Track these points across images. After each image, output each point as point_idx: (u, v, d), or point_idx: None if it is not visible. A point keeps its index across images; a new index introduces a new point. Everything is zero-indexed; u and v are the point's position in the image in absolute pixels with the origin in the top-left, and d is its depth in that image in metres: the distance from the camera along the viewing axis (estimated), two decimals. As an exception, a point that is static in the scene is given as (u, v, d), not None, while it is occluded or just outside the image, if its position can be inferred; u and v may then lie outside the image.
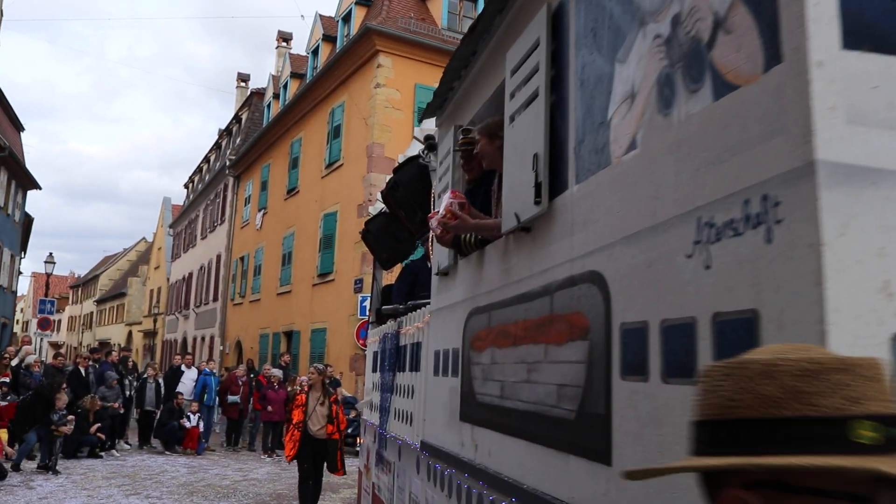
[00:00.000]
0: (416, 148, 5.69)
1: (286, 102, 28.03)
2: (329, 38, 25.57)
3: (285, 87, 29.63)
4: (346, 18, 23.86)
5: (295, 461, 8.81)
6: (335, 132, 22.55)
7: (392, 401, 6.15)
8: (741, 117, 1.70)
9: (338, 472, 9.30)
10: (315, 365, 9.34)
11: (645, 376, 2.04)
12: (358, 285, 18.98)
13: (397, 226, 7.17)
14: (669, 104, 2.01)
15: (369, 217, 7.80)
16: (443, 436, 4.33)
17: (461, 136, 4.04)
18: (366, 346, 9.47)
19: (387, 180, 6.22)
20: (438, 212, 3.87)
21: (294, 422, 8.68)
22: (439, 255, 4.55)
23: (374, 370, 7.42)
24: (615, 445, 2.20)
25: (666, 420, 1.93)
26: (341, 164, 21.81)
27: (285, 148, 27.42)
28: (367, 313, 8.79)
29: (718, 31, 1.80)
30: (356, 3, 23.15)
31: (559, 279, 2.70)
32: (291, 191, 26.14)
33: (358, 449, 9.21)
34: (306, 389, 9.07)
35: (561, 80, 2.85)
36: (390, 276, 9.52)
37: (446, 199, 3.55)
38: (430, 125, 5.41)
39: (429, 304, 5.29)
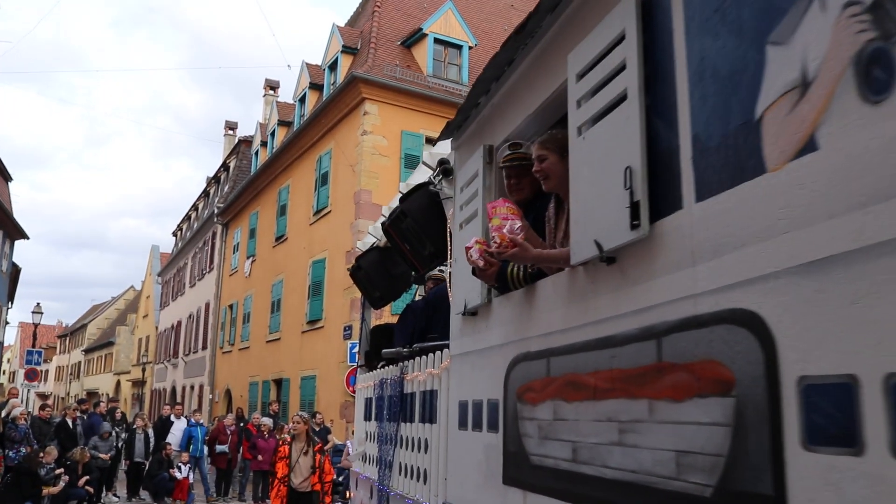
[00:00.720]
0: (423, 174, 5.17)
1: (274, 150, 28.15)
2: (316, 86, 25.66)
3: (273, 134, 29.70)
4: (333, 66, 23.94)
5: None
6: (323, 179, 22.56)
7: (396, 454, 5.55)
8: None
9: (322, 528, 8.63)
10: (300, 413, 8.69)
11: (856, 448, 1.53)
12: (347, 332, 18.76)
13: (392, 261, 6.63)
14: (884, 88, 1.52)
15: (359, 253, 7.23)
16: (476, 500, 3.77)
17: (508, 152, 3.53)
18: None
19: (388, 210, 5.68)
20: (483, 240, 3.34)
21: (279, 476, 8.02)
22: (466, 292, 4.00)
23: (368, 418, 6.81)
24: (797, 538, 1.68)
25: (905, 511, 1.42)
26: (329, 211, 21.80)
27: (273, 195, 27.39)
28: (357, 358, 8.19)
29: None
30: (342, 52, 23.25)
31: (672, 320, 2.19)
32: (280, 238, 26.06)
33: (348, 502, 8.52)
34: (289, 441, 8.40)
35: (658, 77, 2.37)
36: (377, 318, 8.95)
37: (506, 223, 2.98)
38: (441, 150, 4.91)
39: (441, 347, 4.75)
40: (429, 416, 4.81)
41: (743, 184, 1.93)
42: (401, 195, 5.27)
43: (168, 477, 15.91)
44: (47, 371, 79.72)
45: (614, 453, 2.47)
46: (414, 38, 22.65)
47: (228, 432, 17.33)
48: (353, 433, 12.77)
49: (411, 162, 19.14)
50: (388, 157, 20.11)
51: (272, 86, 35.56)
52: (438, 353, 4.74)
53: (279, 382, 24.41)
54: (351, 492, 7.58)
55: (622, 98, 2.50)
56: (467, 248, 3.42)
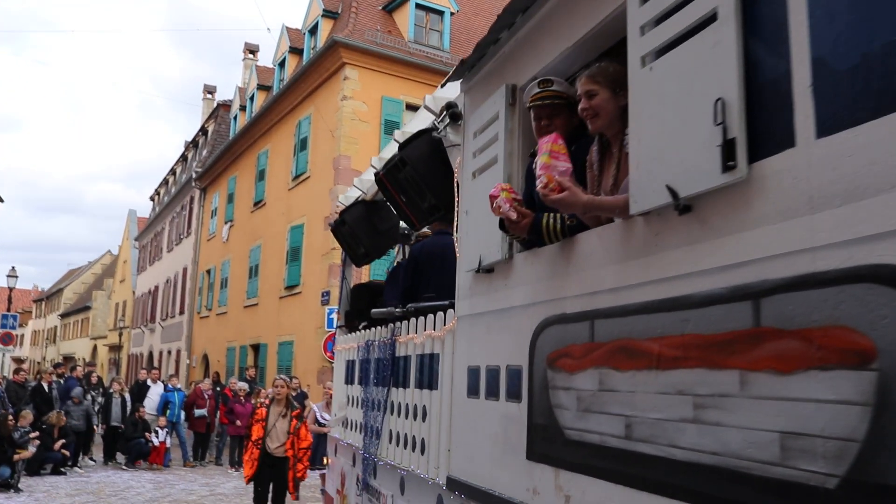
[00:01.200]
0: (423, 121, 4.77)
1: (253, 114, 27.68)
2: (296, 51, 25.20)
3: (252, 99, 29.26)
4: (313, 31, 23.47)
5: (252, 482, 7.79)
6: (302, 144, 22.19)
7: (385, 421, 5.21)
8: None
9: (290, 496, 8.28)
10: (282, 376, 8.27)
11: None
12: (325, 298, 18.60)
13: (380, 215, 6.24)
14: None
15: (343, 208, 6.80)
16: (491, 475, 3.44)
17: (538, 90, 3.15)
18: (333, 358, 8.46)
19: (380, 162, 5.26)
20: (509, 186, 2.98)
21: (253, 439, 7.65)
22: (481, 247, 3.63)
23: (350, 382, 6.45)
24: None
25: None
26: (308, 177, 21.50)
27: (252, 160, 26.98)
28: (335, 322, 7.82)
29: None
30: (323, 16, 22.76)
31: (777, 278, 1.86)
32: (258, 203, 25.74)
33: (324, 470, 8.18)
34: (267, 403, 8.00)
35: (759, -6, 2.01)
36: (356, 279, 8.57)
37: (554, 162, 2.59)
38: (444, 95, 4.50)
39: (441, 307, 4.40)
40: (428, 382, 4.46)
41: (892, 114, 1.58)
42: (398, 143, 4.86)
43: (144, 440, 15.90)
44: (23, 335, 79.48)
45: (687, 431, 2.14)
46: (395, 4, 22.24)
47: (206, 397, 17.24)
48: (325, 396, 12.44)
49: (391, 128, 18.88)
50: (367, 123, 19.87)
51: (252, 49, 35.05)
52: (440, 314, 4.38)
53: (256, 348, 24.28)
54: (329, 458, 7.23)
55: (709, 20, 2.13)
56: (492, 197, 3.05)
